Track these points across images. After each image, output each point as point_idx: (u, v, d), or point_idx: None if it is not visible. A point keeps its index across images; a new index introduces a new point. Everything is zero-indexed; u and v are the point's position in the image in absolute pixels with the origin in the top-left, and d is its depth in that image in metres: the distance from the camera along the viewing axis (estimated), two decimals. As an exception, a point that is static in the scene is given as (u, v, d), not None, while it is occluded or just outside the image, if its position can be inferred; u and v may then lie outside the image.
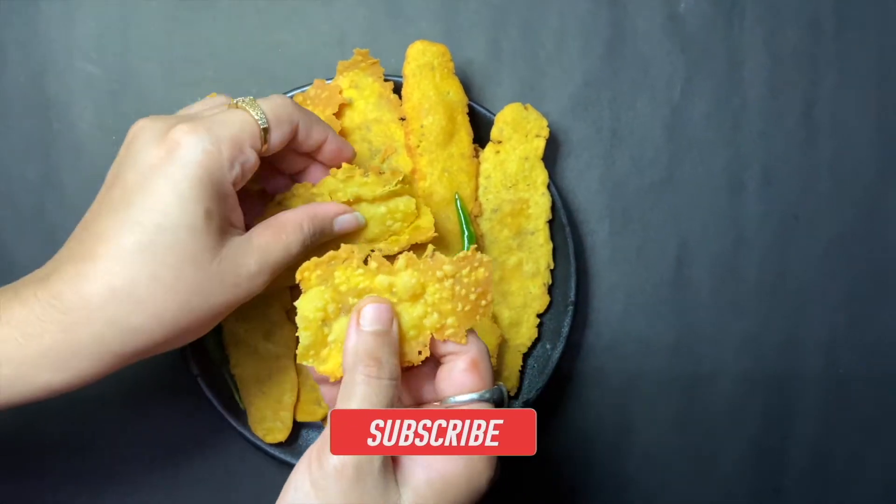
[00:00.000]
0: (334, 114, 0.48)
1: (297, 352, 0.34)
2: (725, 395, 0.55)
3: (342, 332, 0.34)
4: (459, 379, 0.35)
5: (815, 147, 0.55)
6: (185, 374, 0.51)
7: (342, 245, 0.34)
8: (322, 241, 0.41)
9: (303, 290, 0.34)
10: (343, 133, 0.49)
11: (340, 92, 0.49)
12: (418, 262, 0.34)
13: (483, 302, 0.34)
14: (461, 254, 0.33)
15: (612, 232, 0.54)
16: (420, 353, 0.35)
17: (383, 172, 0.44)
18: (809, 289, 0.55)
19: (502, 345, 0.51)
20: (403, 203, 0.45)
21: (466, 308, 0.34)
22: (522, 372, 0.52)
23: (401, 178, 0.44)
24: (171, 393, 0.53)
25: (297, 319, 0.34)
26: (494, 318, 0.51)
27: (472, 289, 0.34)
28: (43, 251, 0.53)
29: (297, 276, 0.34)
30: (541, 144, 0.50)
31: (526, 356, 0.52)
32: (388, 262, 0.34)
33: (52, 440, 0.54)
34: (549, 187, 0.51)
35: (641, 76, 0.54)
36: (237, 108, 0.39)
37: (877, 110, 0.55)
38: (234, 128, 0.37)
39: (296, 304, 0.34)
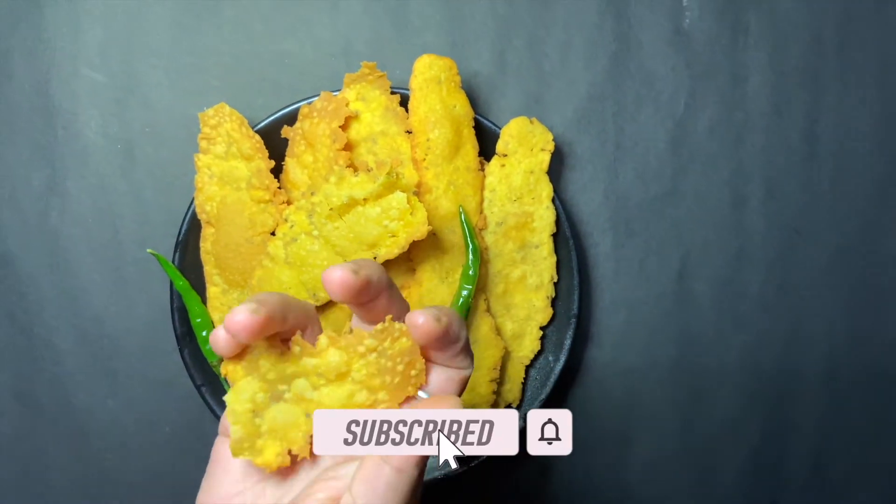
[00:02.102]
0: (340, 126, 0.48)
1: (230, 447, 0.32)
2: (725, 408, 0.55)
3: (275, 422, 0.33)
4: None
5: (817, 162, 0.55)
6: (188, 384, 0.51)
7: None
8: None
9: (230, 384, 0.33)
10: (349, 146, 0.49)
11: (347, 104, 0.49)
12: (339, 339, 0.33)
13: (413, 372, 0.33)
14: (379, 326, 0.32)
15: (616, 245, 0.55)
16: None
17: (371, 169, 0.45)
18: (810, 303, 0.55)
19: (505, 356, 0.51)
20: (396, 200, 0.45)
21: (396, 380, 0.33)
22: (525, 383, 0.52)
23: (388, 170, 0.44)
24: (175, 404, 0.54)
25: (227, 413, 0.32)
26: (498, 330, 0.51)
27: (398, 360, 0.33)
28: (46, 257, 0.54)
29: (223, 370, 0.33)
30: (546, 158, 0.51)
31: (528, 368, 0.52)
32: (310, 345, 0.33)
33: (57, 451, 0.54)
34: (553, 200, 0.51)
35: (646, 90, 0.55)
36: None
37: (878, 126, 0.55)
38: None
39: (225, 399, 0.32)
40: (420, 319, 0.32)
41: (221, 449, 0.34)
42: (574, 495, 0.55)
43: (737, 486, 0.55)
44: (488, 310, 0.51)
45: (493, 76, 0.54)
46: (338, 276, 0.31)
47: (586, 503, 0.55)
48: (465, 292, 0.49)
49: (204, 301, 0.51)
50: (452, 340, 0.33)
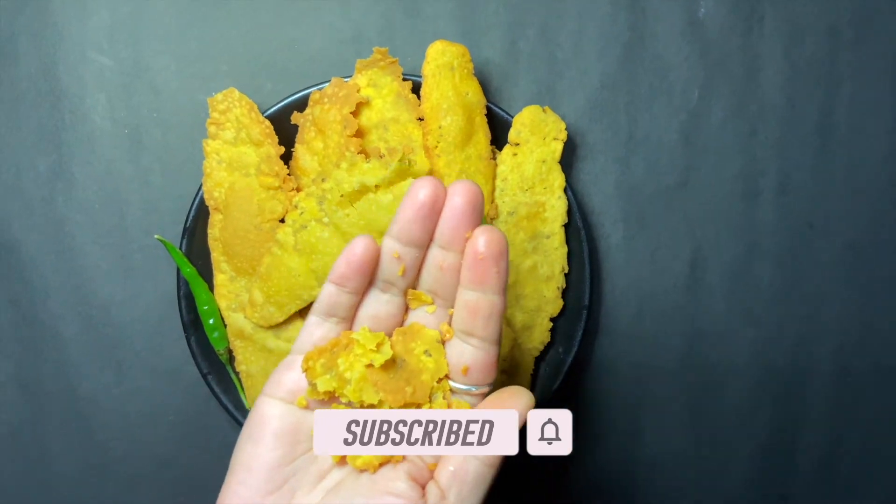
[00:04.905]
0: (351, 112, 0.48)
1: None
2: (735, 402, 0.55)
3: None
4: None
5: (830, 155, 0.55)
6: (194, 372, 0.51)
7: (343, 332, 0.35)
8: None
9: (308, 380, 0.34)
10: (360, 132, 0.49)
11: (358, 90, 0.48)
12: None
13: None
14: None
15: (627, 236, 0.54)
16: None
17: (383, 155, 0.44)
18: (822, 297, 0.55)
19: (515, 348, 0.51)
20: (408, 187, 0.45)
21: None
22: (534, 375, 0.52)
23: (400, 157, 0.44)
24: (181, 392, 0.53)
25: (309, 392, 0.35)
26: (508, 322, 0.50)
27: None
28: (51, 243, 0.53)
29: (303, 365, 0.34)
30: (558, 147, 0.50)
31: (538, 360, 0.52)
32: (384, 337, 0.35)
33: (61, 439, 0.54)
34: (565, 190, 0.50)
35: (659, 80, 0.54)
36: None
37: (892, 119, 0.55)
38: None
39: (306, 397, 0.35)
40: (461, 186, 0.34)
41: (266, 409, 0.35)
42: (583, 488, 0.54)
43: (746, 480, 0.55)
44: (499, 300, 0.50)
45: (506, 65, 0.54)
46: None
47: (595, 496, 0.54)
48: (476, 282, 0.48)
49: (211, 288, 0.50)
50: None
